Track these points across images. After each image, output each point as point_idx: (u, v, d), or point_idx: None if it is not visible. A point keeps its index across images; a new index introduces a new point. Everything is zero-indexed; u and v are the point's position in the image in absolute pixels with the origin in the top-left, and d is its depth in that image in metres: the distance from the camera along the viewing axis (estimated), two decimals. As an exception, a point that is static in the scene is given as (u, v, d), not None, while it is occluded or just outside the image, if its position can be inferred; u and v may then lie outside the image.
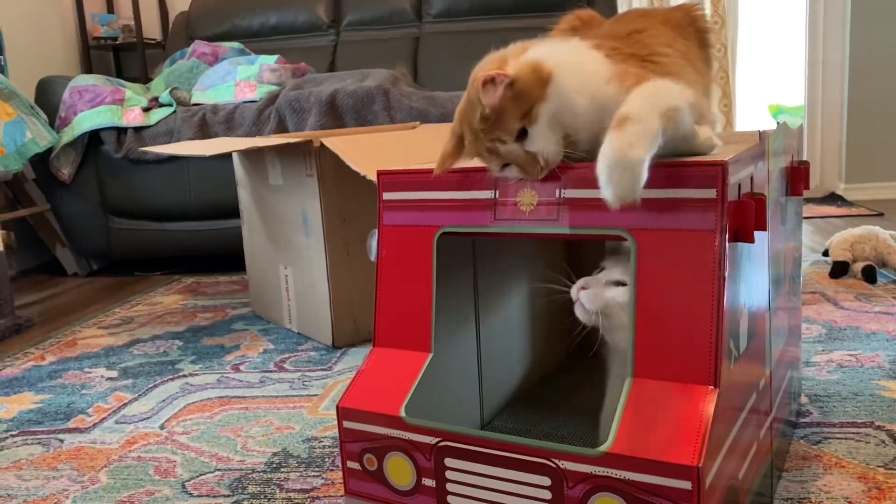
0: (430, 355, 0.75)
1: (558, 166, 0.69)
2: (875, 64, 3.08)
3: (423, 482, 0.71)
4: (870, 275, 1.79)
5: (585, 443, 0.63)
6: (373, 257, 0.80)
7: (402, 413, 0.71)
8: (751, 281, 0.75)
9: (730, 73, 3.22)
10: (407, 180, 0.78)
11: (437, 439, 0.70)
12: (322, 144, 1.45)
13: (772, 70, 3.79)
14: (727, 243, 0.65)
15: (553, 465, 0.64)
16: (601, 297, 0.77)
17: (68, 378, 1.45)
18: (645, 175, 0.60)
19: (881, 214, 2.73)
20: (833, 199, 3.16)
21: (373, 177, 1.25)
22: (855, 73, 3.10)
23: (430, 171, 0.77)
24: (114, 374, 1.46)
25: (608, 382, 0.84)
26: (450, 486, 0.70)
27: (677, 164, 0.66)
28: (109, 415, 1.25)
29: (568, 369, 1.13)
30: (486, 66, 0.70)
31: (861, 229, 1.90)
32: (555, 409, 0.99)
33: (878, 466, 0.91)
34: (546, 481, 0.65)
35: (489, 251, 0.92)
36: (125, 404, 1.29)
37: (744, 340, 0.72)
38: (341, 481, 0.96)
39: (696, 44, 0.82)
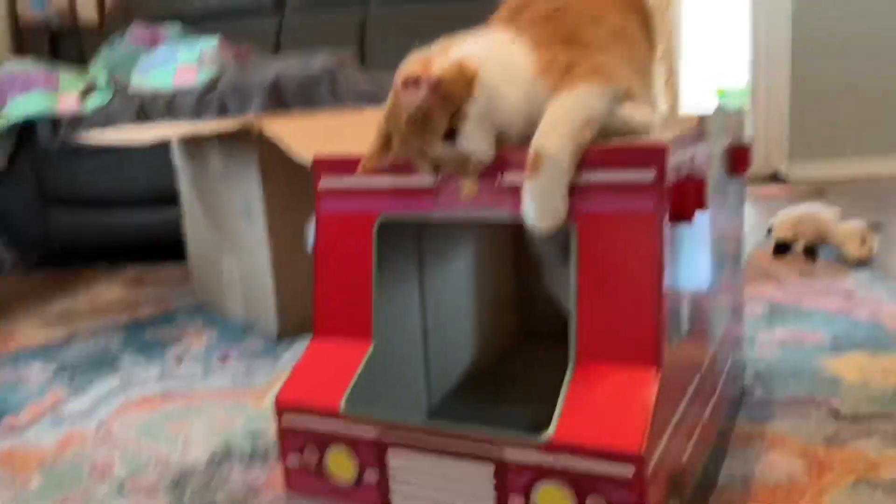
0: (372, 345, 0.73)
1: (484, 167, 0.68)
2: (817, 45, 3.14)
3: (365, 476, 0.70)
4: (811, 253, 1.82)
5: (535, 428, 0.62)
6: (309, 247, 0.78)
7: (343, 406, 0.69)
8: (693, 262, 0.75)
9: (675, 55, 3.24)
10: (344, 166, 0.76)
11: (378, 431, 0.68)
12: (263, 130, 1.41)
13: (717, 53, 3.84)
14: (667, 225, 0.64)
15: (496, 454, 0.63)
16: None
17: (2, 376, 1.39)
18: (564, 204, 0.65)
19: (821, 192, 2.79)
20: (776, 177, 3.21)
21: (308, 160, 1.22)
22: (797, 54, 3.16)
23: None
24: (50, 370, 1.41)
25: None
26: (392, 479, 0.68)
27: (617, 147, 0.65)
28: (45, 413, 1.20)
29: (516, 354, 1.13)
30: (409, 66, 0.68)
31: (803, 207, 1.93)
32: (504, 393, 0.98)
33: (819, 442, 0.92)
34: (489, 470, 0.64)
35: (434, 238, 0.90)
36: (61, 402, 1.25)
37: (686, 321, 0.72)
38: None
39: (636, 18, 0.81)
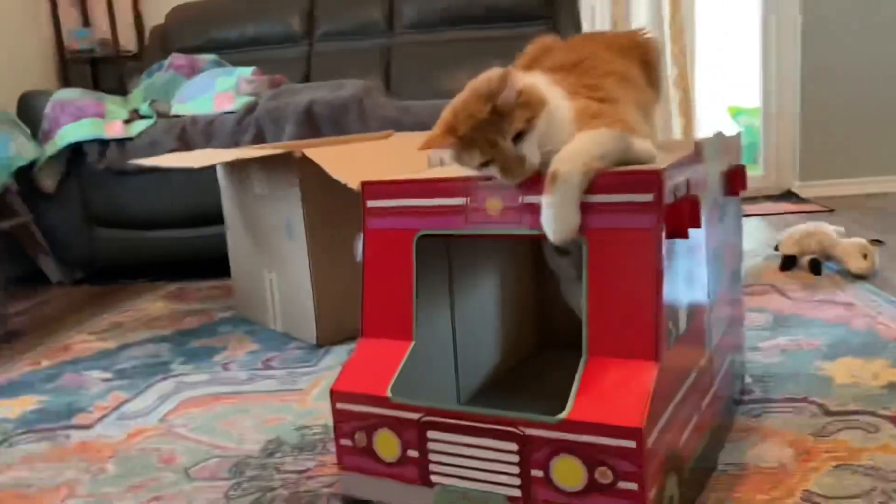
0: (412, 343, 0.85)
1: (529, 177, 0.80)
2: (826, 68, 3.24)
3: (407, 453, 0.81)
4: (815, 267, 1.92)
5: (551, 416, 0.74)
6: (358, 258, 0.90)
7: (389, 393, 0.82)
8: (689, 273, 0.86)
9: (689, 78, 3.36)
10: (388, 189, 0.89)
11: (421, 415, 0.80)
12: (304, 155, 1.55)
13: (730, 74, 3.94)
14: (664, 240, 0.76)
15: (519, 433, 0.75)
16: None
17: (66, 380, 1.53)
18: (577, 218, 0.77)
19: (832, 211, 2.88)
20: (788, 196, 3.31)
21: (353, 185, 1.35)
22: (807, 76, 3.26)
23: (409, 181, 0.87)
24: (109, 375, 1.55)
25: None
26: (431, 456, 0.80)
27: (622, 172, 0.77)
28: (110, 412, 1.33)
29: (535, 358, 1.24)
30: (492, 73, 0.80)
31: (808, 225, 2.03)
32: (525, 391, 1.10)
33: (809, 434, 1.02)
34: (513, 447, 0.75)
35: (462, 251, 1.02)
36: (124, 402, 1.38)
37: (683, 324, 0.83)
38: (333, 463, 1.06)
39: (639, 65, 0.94)
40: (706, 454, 0.92)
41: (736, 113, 4.80)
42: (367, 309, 0.89)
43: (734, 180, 1.09)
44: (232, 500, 0.98)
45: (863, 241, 1.90)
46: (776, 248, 2.12)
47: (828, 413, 1.09)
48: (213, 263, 2.48)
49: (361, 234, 0.91)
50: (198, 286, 2.36)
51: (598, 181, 0.77)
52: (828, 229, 1.99)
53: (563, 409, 0.97)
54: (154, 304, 2.16)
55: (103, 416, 1.31)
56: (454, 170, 0.98)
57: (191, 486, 1.03)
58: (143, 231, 2.46)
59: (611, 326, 0.76)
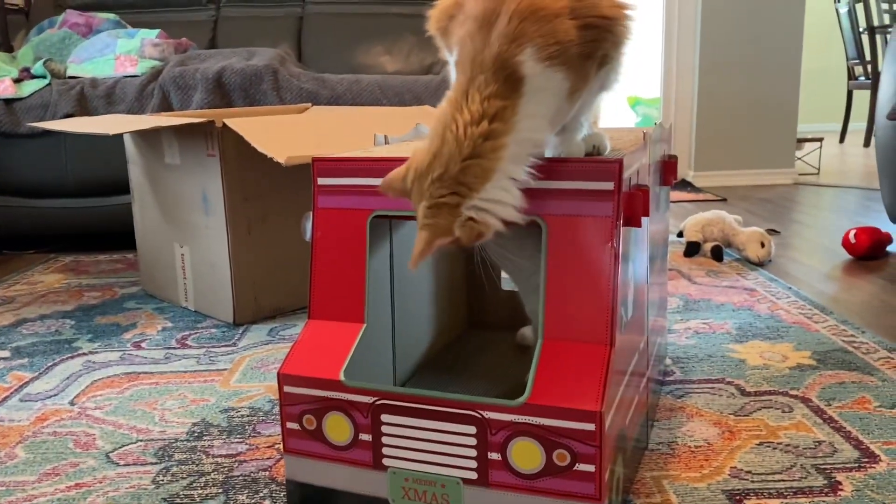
0: (364, 325, 0.84)
1: None
2: (722, 62, 3.40)
3: (359, 437, 0.80)
4: (717, 254, 2.03)
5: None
6: (307, 238, 0.87)
7: (342, 377, 0.80)
8: (635, 259, 0.89)
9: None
10: (341, 167, 0.86)
11: (375, 398, 0.79)
12: (224, 124, 1.48)
13: (632, 64, 4.08)
14: (621, 227, 0.77)
15: (478, 416, 0.75)
16: None
17: (-43, 359, 1.42)
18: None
19: (725, 200, 3.04)
20: (684, 185, 3.46)
21: (280, 159, 1.31)
22: (704, 69, 3.41)
23: (363, 159, 0.85)
24: (6, 353, 1.44)
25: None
26: (385, 440, 0.79)
27: (582, 160, 0.78)
28: (12, 393, 1.24)
29: (467, 338, 1.25)
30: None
31: (710, 213, 2.14)
32: (459, 373, 1.11)
33: (730, 414, 1.08)
34: (472, 430, 0.76)
35: (403, 233, 1.01)
36: (26, 383, 1.29)
37: (630, 310, 0.86)
38: (265, 446, 1.03)
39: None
40: (641, 435, 0.96)
41: (635, 102, 4.97)
42: (316, 290, 0.86)
43: (667, 170, 1.13)
44: (162, 486, 0.94)
45: (760, 230, 2.02)
46: (679, 235, 2.21)
47: (745, 394, 1.15)
48: (112, 235, 2.35)
49: (311, 213, 0.88)
50: (96, 259, 2.23)
51: (559, 168, 0.77)
52: (728, 218, 2.10)
53: (494, 390, 0.98)
54: (49, 277, 2.02)
55: (5, 398, 1.23)
56: (402, 148, 0.96)
57: (114, 472, 0.98)
58: (34, 199, 2.30)
59: (567, 310, 0.77)
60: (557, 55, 0.71)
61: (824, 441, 1.00)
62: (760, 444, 0.99)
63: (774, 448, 0.98)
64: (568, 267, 0.78)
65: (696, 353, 1.33)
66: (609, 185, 0.76)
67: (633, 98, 4.95)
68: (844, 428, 1.03)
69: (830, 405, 1.10)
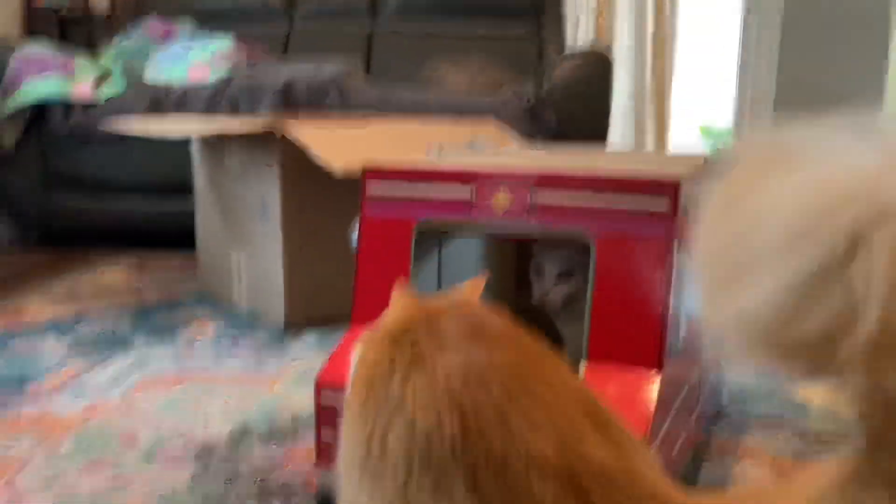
0: (405, 337, 0.82)
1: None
2: (799, 95, 3.29)
3: (393, 451, 0.78)
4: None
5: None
6: (354, 246, 0.87)
7: (379, 388, 0.78)
8: (689, 287, 0.85)
9: (666, 94, 3.39)
10: (390, 176, 0.85)
11: (411, 412, 0.77)
12: (284, 134, 1.50)
13: (705, 94, 3.99)
14: (677, 250, 0.74)
15: (516, 438, 0.72)
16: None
17: (18, 349, 1.46)
18: None
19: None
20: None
21: (334, 169, 1.31)
22: (780, 102, 3.31)
23: (413, 169, 0.84)
24: (64, 345, 1.48)
25: None
26: (419, 456, 0.77)
27: (636, 177, 0.75)
28: (65, 386, 1.27)
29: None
30: None
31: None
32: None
33: (786, 456, 1.02)
34: (508, 452, 0.73)
35: (453, 244, 1.00)
36: (80, 376, 1.32)
37: (681, 339, 0.82)
38: (301, 456, 1.02)
39: None
40: (689, 473, 0.91)
41: (706, 133, 4.87)
42: (359, 298, 0.85)
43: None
44: (198, 486, 0.94)
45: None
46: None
47: (804, 436, 1.09)
48: (177, 235, 2.41)
49: (357, 222, 0.87)
50: (158, 258, 2.28)
51: (610, 183, 0.75)
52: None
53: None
54: (112, 275, 2.08)
55: (59, 388, 1.25)
56: (455, 159, 0.95)
57: (153, 468, 0.98)
58: (104, 198, 2.37)
59: (613, 331, 0.75)
60: None
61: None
62: (818, 490, 0.93)
63: (833, 495, 0.92)
64: (616, 288, 0.75)
65: (755, 392, 1.27)
66: (664, 206, 0.73)
67: (704, 128, 4.84)
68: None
69: None
